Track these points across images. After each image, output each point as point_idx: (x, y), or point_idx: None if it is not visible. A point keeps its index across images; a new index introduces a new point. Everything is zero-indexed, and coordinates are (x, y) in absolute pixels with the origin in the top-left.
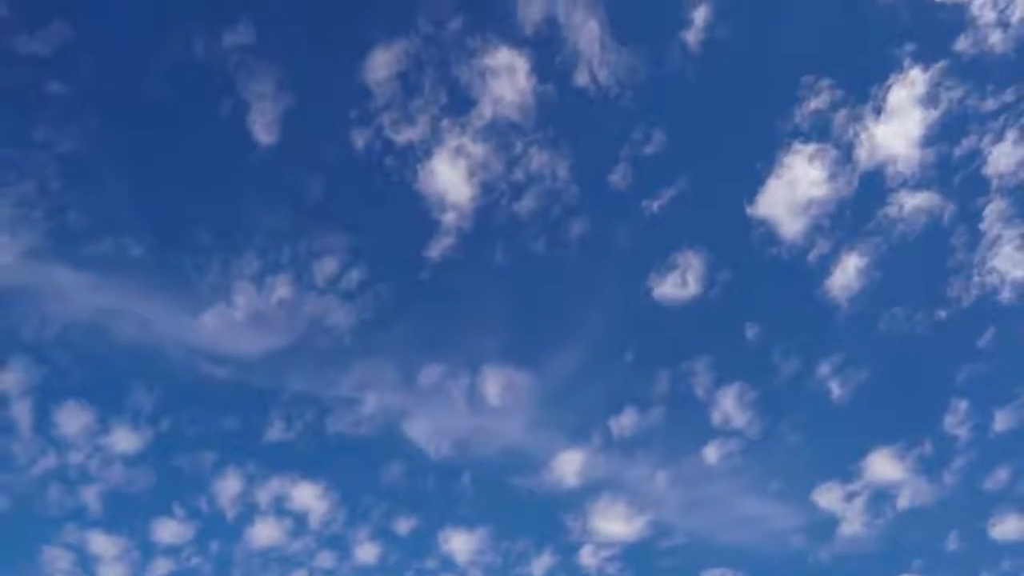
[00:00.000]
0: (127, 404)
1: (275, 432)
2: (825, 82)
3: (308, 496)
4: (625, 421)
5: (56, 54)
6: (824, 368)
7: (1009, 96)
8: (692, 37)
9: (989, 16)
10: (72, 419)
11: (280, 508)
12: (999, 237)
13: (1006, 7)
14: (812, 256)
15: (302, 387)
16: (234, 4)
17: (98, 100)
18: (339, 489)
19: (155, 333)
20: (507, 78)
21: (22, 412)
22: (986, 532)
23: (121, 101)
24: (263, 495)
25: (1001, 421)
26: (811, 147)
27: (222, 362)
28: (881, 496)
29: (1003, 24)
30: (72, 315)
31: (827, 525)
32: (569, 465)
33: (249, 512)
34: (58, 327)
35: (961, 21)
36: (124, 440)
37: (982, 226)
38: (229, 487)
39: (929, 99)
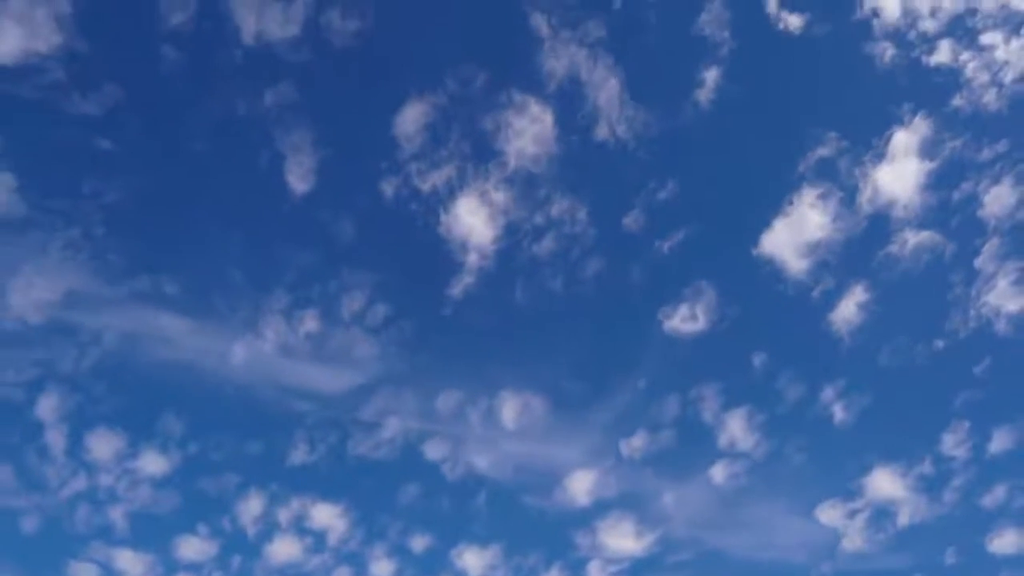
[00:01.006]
0: (157, 430)
1: (298, 455)
2: (830, 133)
3: (327, 515)
4: (636, 443)
5: (107, 114)
6: (827, 393)
7: (1003, 147)
8: (703, 96)
9: (983, 77)
10: (103, 444)
11: (300, 527)
12: (994, 274)
13: (999, 70)
14: (817, 292)
15: (326, 413)
16: (277, 65)
17: (143, 156)
18: (358, 508)
19: (187, 364)
20: (531, 131)
21: (56, 437)
22: (984, 547)
23: (165, 156)
24: (284, 514)
25: (997, 442)
26: (817, 191)
27: (249, 390)
28: (882, 513)
29: (997, 84)
30: (106, 347)
31: (830, 541)
32: (580, 485)
33: (270, 530)
34: (93, 359)
35: (956, 82)
36: (152, 463)
37: (979, 264)
38: (252, 507)
39: (928, 149)
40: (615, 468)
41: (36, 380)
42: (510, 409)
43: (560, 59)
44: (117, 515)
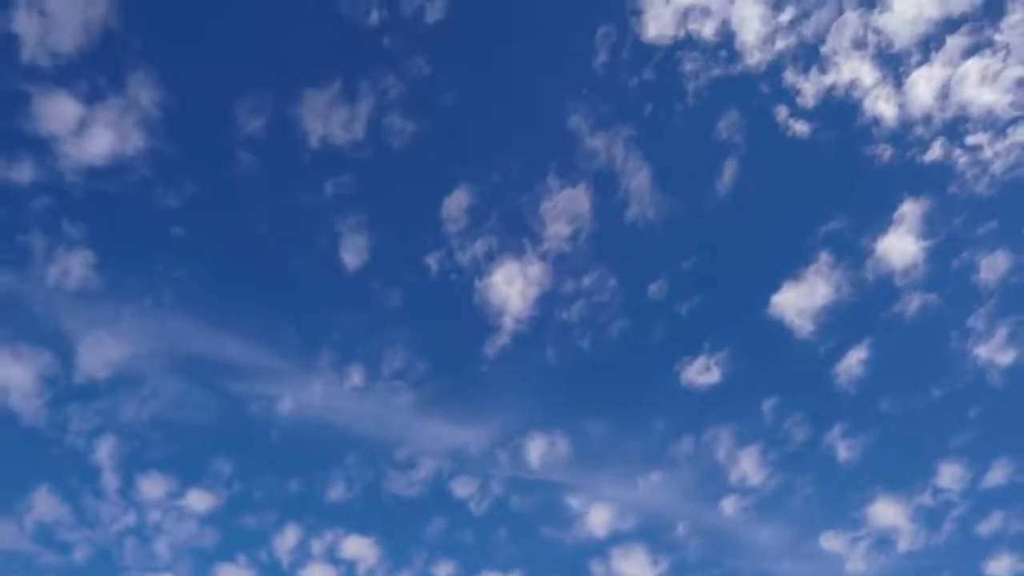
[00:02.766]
0: (205, 472)
1: (336, 493)
2: (836, 214)
3: (359, 546)
4: (654, 479)
5: (184, 206)
6: (832, 434)
7: (995, 225)
8: (721, 186)
9: (973, 171)
10: (153, 485)
11: (333, 556)
12: (987, 332)
13: (987, 165)
14: (823, 349)
15: (364, 455)
16: (340, 163)
17: (213, 240)
18: (388, 540)
19: (240, 415)
20: (567, 213)
21: (111, 479)
22: (981, 571)
23: (233, 240)
24: (318, 545)
25: (991, 477)
26: (824, 262)
27: (296, 436)
28: (883, 540)
29: (987, 176)
30: (165, 399)
31: (834, 567)
32: (599, 518)
33: (304, 559)
34: (152, 410)
35: (950, 175)
36: (198, 501)
37: (974, 323)
38: (288, 539)
39: (928, 227)
40: (632, 502)
41: (97, 429)
42: (535, 449)
43: (596, 152)
44: (162, 547)
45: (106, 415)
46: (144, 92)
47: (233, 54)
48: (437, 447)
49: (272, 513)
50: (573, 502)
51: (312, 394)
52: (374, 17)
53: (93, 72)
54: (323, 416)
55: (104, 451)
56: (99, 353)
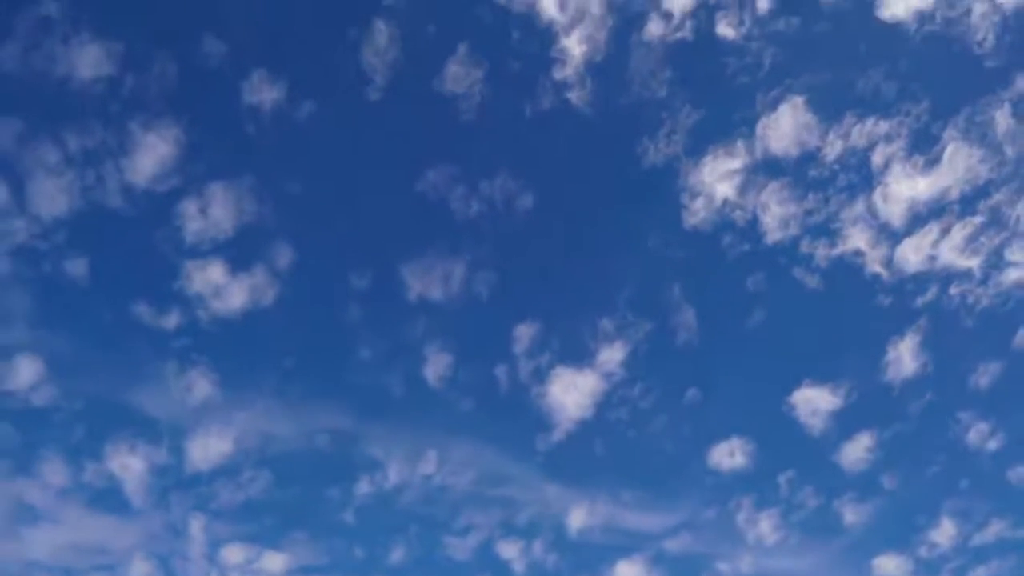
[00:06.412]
0: (284, 541)
1: (396, 556)
2: (846, 337)
3: None
4: (681, 540)
5: (298, 343)
6: (840, 502)
7: (986, 340)
8: (751, 322)
9: (962, 310)
10: (236, 552)
11: None
12: (979, 422)
13: (972, 303)
14: (833, 437)
15: (425, 526)
16: (433, 311)
17: (318, 367)
18: None
19: (319, 499)
20: (620, 341)
21: (199, 548)
22: None
23: (333, 367)
24: None
25: (980, 537)
26: (835, 372)
27: (367, 512)
28: None
29: (976, 312)
30: (260, 484)
31: None
32: (627, 572)
33: None
34: (248, 493)
35: (943, 312)
36: (272, 562)
37: (967, 416)
38: None
39: (926, 347)
40: (659, 559)
41: (194, 507)
42: (576, 516)
43: (649, 298)
44: None
45: (204, 498)
46: (278, 260)
47: (353, 230)
48: (490, 519)
49: (338, 574)
50: (604, 559)
51: (387, 480)
52: (474, 209)
53: (240, 245)
54: (395, 497)
55: (197, 526)
56: (206, 450)
